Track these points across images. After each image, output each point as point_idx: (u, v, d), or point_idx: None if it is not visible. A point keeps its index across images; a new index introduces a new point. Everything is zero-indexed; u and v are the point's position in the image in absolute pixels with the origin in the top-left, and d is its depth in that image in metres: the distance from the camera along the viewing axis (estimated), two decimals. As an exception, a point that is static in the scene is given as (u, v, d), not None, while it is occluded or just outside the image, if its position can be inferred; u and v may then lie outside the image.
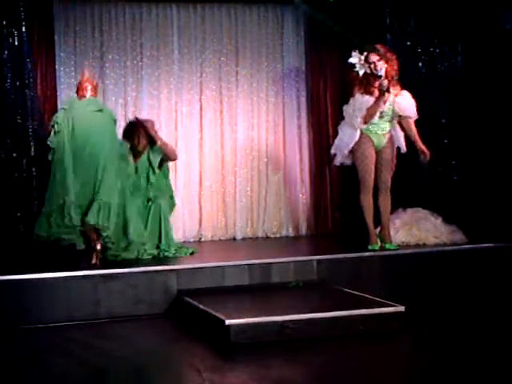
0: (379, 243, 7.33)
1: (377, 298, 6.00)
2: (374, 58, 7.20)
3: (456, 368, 4.74)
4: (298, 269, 6.87)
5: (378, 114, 7.21)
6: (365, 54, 7.24)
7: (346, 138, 7.34)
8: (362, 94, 7.22)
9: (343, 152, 7.41)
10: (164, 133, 8.90)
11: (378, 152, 7.33)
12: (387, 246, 7.33)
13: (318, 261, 6.95)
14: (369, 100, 7.18)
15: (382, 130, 7.31)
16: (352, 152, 7.35)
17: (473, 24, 8.78)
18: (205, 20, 9.09)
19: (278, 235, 9.21)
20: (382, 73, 7.14)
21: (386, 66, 7.19)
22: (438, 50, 8.97)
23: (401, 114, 7.35)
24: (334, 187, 9.34)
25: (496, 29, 8.58)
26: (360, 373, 4.73)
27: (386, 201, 7.39)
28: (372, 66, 7.18)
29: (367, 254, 7.16)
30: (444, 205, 8.40)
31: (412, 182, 8.74)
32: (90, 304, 6.33)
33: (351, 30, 8.64)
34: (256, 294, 6.48)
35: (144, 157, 7.53)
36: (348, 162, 7.52)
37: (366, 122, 7.20)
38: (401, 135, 7.48)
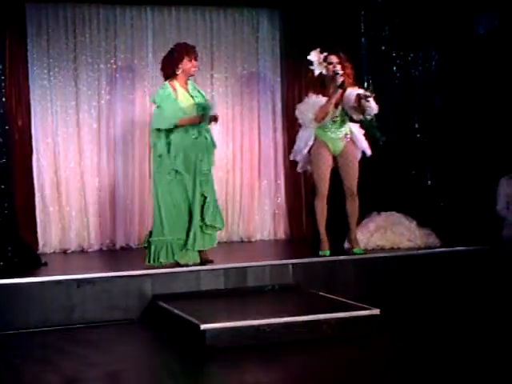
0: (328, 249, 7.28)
1: (352, 302, 6.01)
2: (334, 59, 7.14)
3: (430, 370, 4.76)
4: (273, 273, 6.87)
5: (330, 114, 7.12)
6: (325, 53, 7.15)
7: (302, 144, 7.31)
8: (316, 94, 7.17)
9: (300, 157, 7.37)
10: (137, 136, 8.89)
11: (337, 157, 7.27)
12: (355, 250, 7.30)
13: (294, 265, 6.96)
14: (322, 101, 7.11)
15: (336, 134, 7.23)
16: (309, 157, 7.32)
17: (447, 29, 8.82)
18: (180, 23, 9.07)
19: (253, 239, 9.21)
20: (340, 72, 7.05)
21: (342, 71, 7.12)
22: (412, 55, 9.00)
23: (351, 104, 7.13)
24: (309, 191, 9.33)
25: (469, 34, 8.63)
26: (335, 376, 4.74)
27: (352, 206, 7.34)
28: (330, 66, 7.10)
29: (342, 257, 7.18)
30: (418, 208, 8.43)
31: (386, 185, 8.76)
32: (65, 309, 6.28)
33: (327, 34, 8.66)
34: (231, 298, 6.47)
35: None
36: (309, 168, 7.46)
37: (318, 121, 7.13)
38: (362, 139, 7.40)
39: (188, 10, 9.10)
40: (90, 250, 8.66)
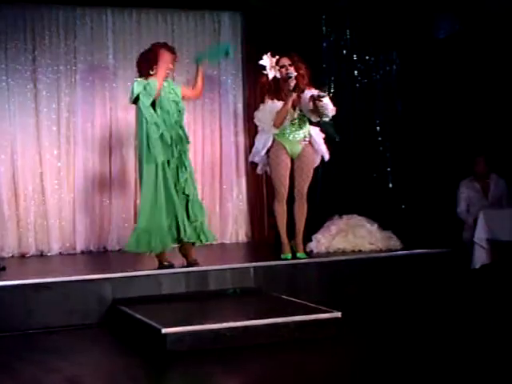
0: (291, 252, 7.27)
1: (313, 305, 6.01)
2: (285, 61, 7.09)
3: (392, 372, 4.76)
4: (234, 276, 6.84)
5: (288, 117, 7.09)
6: (277, 57, 7.10)
7: (260, 146, 7.29)
8: (271, 99, 7.12)
9: (258, 159, 7.35)
10: (97, 138, 8.82)
11: (294, 160, 7.26)
12: (298, 254, 7.25)
13: (255, 268, 6.94)
14: (278, 105, 7.07)
15: (294, 137, 7.20)
16: (268, 159, 7.30)
17: (408, 33, 8.90)
18: (140, 25, 9.02)
19: (214, 242, 9.15)
20: (292, 75, 7.00)
21: (295, 73, 7.09)
22: (373, 59, 9.06)
23: (309, 107, 7.08)
24: (271, 194, 9.33)
25: (430, 38, 8.71)
26: (298, 379, 4.73)
27: (300, 209, 7.31)
28: (283, 69, 7.05)
29: (304, 260, 7.17)
30: (379, 211, 8.48)
31: (347, 188, 8.79)
32: (22, 314, 6.18)
33: (288, 37, 8.67)
34: (193, 301, 6.43)
35: None
36: (268, 169, 7.42)
37: (277, 126, 7.09)
38: (321, 143, 7.37)
39: (149, 12, 9.06)
40: (49, 254, 8.56)
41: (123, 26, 8.96)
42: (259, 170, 7.58)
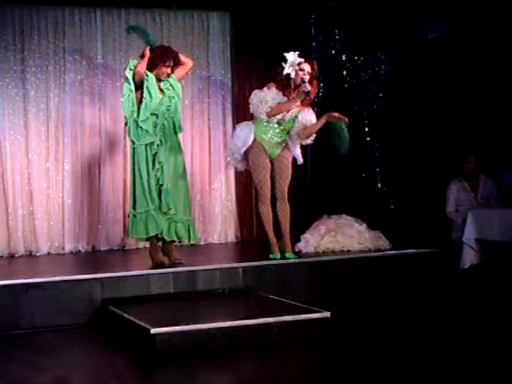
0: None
1: (302, 305, 6.02)
2: (307, 67, 7.11)
3: (381, 372, 4.78)
4: (223, 276, 6.84)
5: (284, 114, 7.09)
6: (302, 59, 7.11)
7: (239, 143, 7.26)
8: (277, 90, 7.15)
9: (236, 156, 7.34)
10: (86, 138, 8.80)
11: (273, 161, 7.27)
12: (287, 255, 7.27)
13: (244, 268, 6.94)
14: (282, 98, 7.08)
15: (274, 139, 7.21)
16: (246, 159, 7.30)
17: (396, 34, 8.92)
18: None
19: (203, 243, 9.17)
20: (307, 80, 7.05)
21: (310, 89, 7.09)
22: (362, 59, 9.09)
23: (307, 124, 7.20)
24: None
25: (418, 39, 8.73)
26: (287, 379, 4.74)
27: (284, 210, 7.31)
28: (301, 72, 7.06)
29: (292, 260, 7.18)
30: (368, 211, 8.50)
31: (336, 188, 8.81)
32: (12, 314, 6.16)
33: (277, 37, 8.68)
34: (182, 301, 6.43)
35: None
36: (240, 167, 7.46)
37: (269, 116, 7.08)
38: (296, 146, 7.39)
39: (137, 12, 9.04)
40: (38, 254, 8.54)
41: (112, 26, 8.94)
42: (230, 166, 7.62)
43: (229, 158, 7.48)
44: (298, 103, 7.11)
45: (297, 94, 7.09)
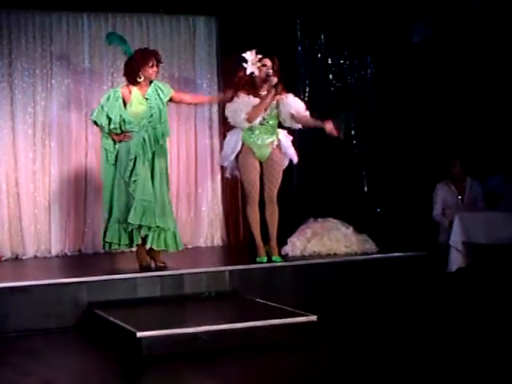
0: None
1: (289, 308, 6.03)
2: (267, 62, 7.12)
3: (367, 376, 4.79)
4: (210, 279, 6.85)
5: (262, 113, 7.11)
6: (260, 56, 7.14)
7: (229, 150, 7.28)
8: (247, 95, 7.15)
9: (227, 163, 7.36)
10: (73, 141, 8.79)
11: (263, 164, 7.26)
12: (274, 258, 7.26)
13: (231, 271, 6.95)
14: (254, 101, 7.11)
15: (262, 141, 7.20)
16: (237, 164, 7.30)
17: (382, 37, 8.95)
18: (116, 30, 8.92)
19: (189, 246, 9.16)
20: (271, 73, 7.04)
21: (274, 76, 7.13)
22: (348, 63, 9.11)
23: (291, 111, 7.20)
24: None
25: (404, 42, 8.76)
26: (273, 383, 4.74)
27: (272, 213, 7.29)
28: (264, 68, 7.07)
29: (279, 264, 7.19)
30: (355, 214, 8.51)
31: (323, 191, 8.82)
32: (-2, 318, 6.16)
33: (263, 42, 8.69)
34: (168, 305, 6.43)
35: None
36: (236, 173, 7.45)
37: (250, 121, 7.10)
38: (289, 146, 7.37)
39: (124, 16, 9.03)
40: (24, 258, 8.53)
41: (99, 30, 8.91)
42: (228, 174, 7.60)
43: (225, 166, 7.48)
44: (270, 98, 7.12)
45: (267, 89, 7.10)
